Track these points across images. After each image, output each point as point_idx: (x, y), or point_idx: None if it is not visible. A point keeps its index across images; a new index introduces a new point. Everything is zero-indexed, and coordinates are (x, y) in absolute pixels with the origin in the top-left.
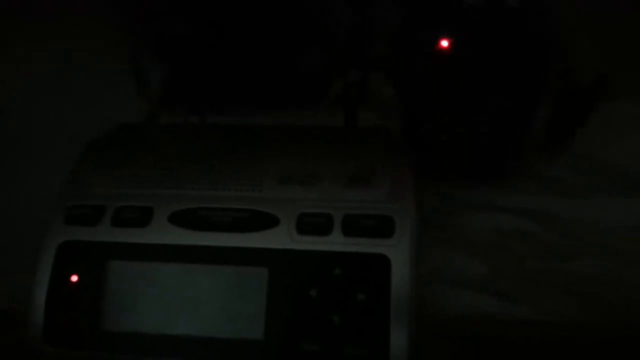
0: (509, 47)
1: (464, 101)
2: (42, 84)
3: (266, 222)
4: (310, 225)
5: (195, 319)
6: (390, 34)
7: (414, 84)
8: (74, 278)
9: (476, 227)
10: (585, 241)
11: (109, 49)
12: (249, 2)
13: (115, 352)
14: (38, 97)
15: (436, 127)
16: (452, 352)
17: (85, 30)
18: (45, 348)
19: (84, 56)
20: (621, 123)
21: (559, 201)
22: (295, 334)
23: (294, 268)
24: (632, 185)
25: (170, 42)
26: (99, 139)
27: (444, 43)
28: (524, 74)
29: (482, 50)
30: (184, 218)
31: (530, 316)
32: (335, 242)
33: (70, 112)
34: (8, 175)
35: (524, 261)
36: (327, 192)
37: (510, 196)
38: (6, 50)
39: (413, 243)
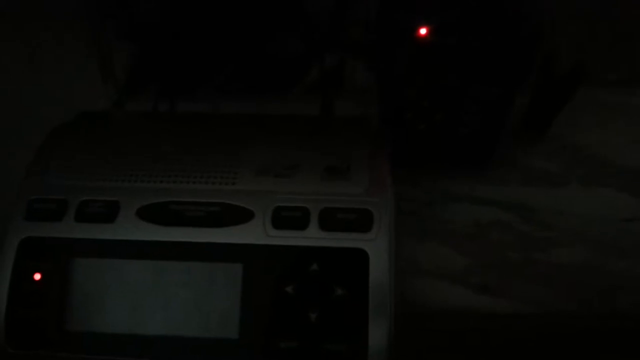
0: (491, 33)
1: (444, 89)
2: (5, 71)
3: (240, 216)
4: (286, 219)
5: (166, 318)
6: (369, 18)
7: (393, 71)
8: (37, 276)
9: (456, 219)
10: (564, 231)
11: (73, 32)
12: None
13: (80, 353)
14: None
15: (415, 116)
16: (433, 345)
17: (49, 14)
18: (7, 350)
19: (47, 41)
20: (600, 112)
21: (538, 191)
22: (272, 331)
23: (269, 264)
24: (611, 175)
25: (138, 23)
26: (61, 128)
27: (422, 31)
28: (505, 61)
29: (462, 37)
30: (153, 213)
31: (510, 307)
32: (312, 237)
33: (33, 99)
34: None
35: (504, 252)
36: (303, 185)
37: (490, 187)
38: None
39: (392, 237)
